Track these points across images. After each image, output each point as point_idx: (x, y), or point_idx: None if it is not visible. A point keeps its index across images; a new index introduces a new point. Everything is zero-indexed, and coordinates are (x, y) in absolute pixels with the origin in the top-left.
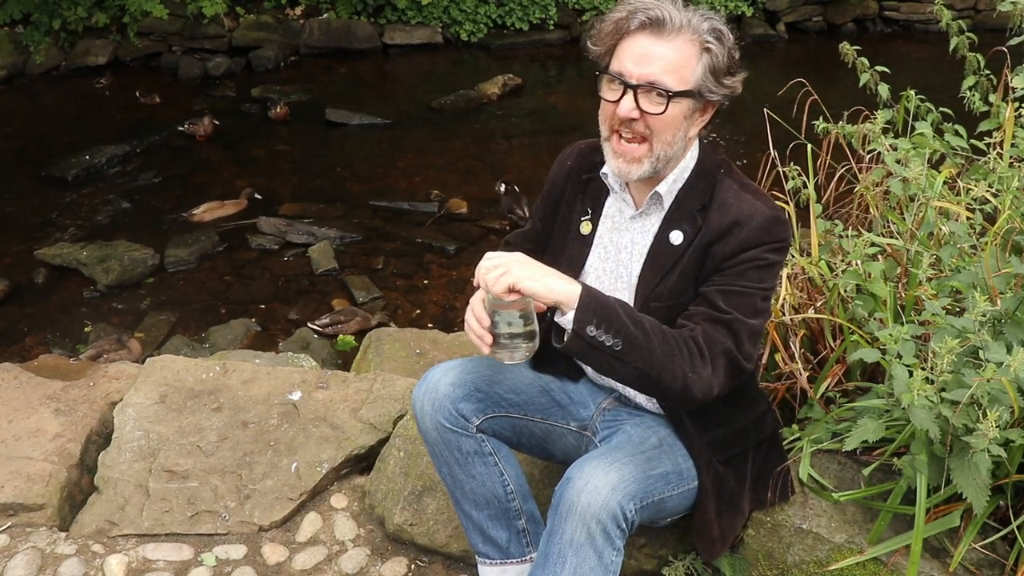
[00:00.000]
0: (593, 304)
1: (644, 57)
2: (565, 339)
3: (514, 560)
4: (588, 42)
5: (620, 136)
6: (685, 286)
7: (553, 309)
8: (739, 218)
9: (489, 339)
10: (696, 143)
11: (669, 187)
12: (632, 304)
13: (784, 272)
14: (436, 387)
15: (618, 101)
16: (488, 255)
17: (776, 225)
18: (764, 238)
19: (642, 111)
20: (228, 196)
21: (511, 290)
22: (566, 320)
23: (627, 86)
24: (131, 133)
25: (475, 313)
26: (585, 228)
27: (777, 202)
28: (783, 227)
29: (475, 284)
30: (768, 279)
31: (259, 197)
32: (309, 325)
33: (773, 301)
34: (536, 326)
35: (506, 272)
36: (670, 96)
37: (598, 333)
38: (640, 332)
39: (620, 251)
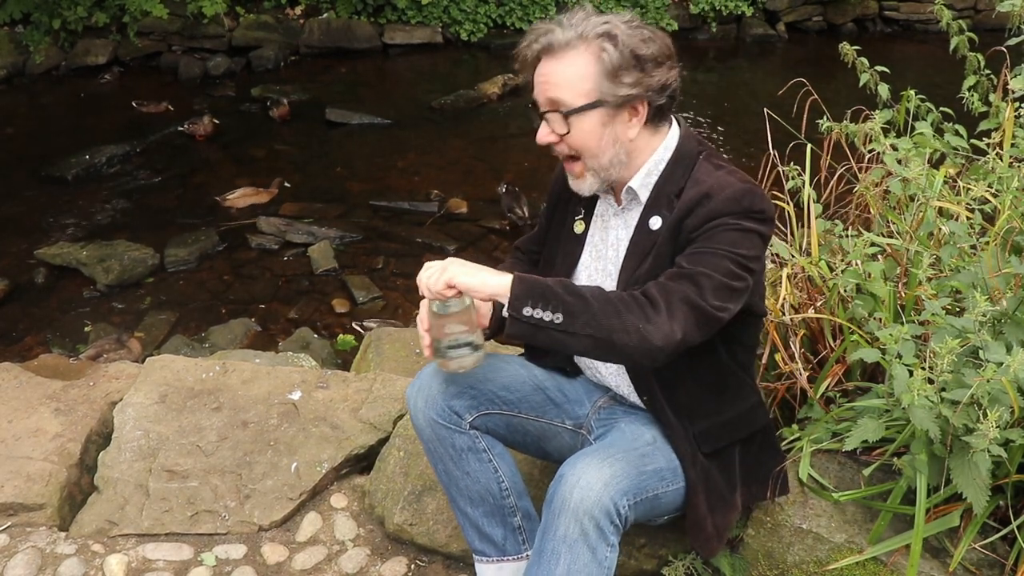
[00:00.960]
0: (525, 287)
1: (541, 82)
2: (509, 315)
3: (510, 557)
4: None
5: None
6: (662, 264)
7: (502, 307)
8: (709, 192)
9: (428, 341)
10: (674, 132)
11: (642, 180)
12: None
13: (784, 272)
14: (429, 384)
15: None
16: (427, 264)
17: (748, 196)
18: (734, 207)
19: (556, 133)
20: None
21: (449, 287)
22: (505, 309)
23: (539, 115)
24: (131, 133)
25: (421, 320)
26: (579, 228)
27: (777, 202)
28: (757, 198)
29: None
30: (743, 244)
31: (288, 185)
32: (356, 324)
33: (773, 301)
34: (480, 339)
35: (443, 271)
36: (566, 114)
37: (535, 311)
38: (578, 301)
39: (608, 248)
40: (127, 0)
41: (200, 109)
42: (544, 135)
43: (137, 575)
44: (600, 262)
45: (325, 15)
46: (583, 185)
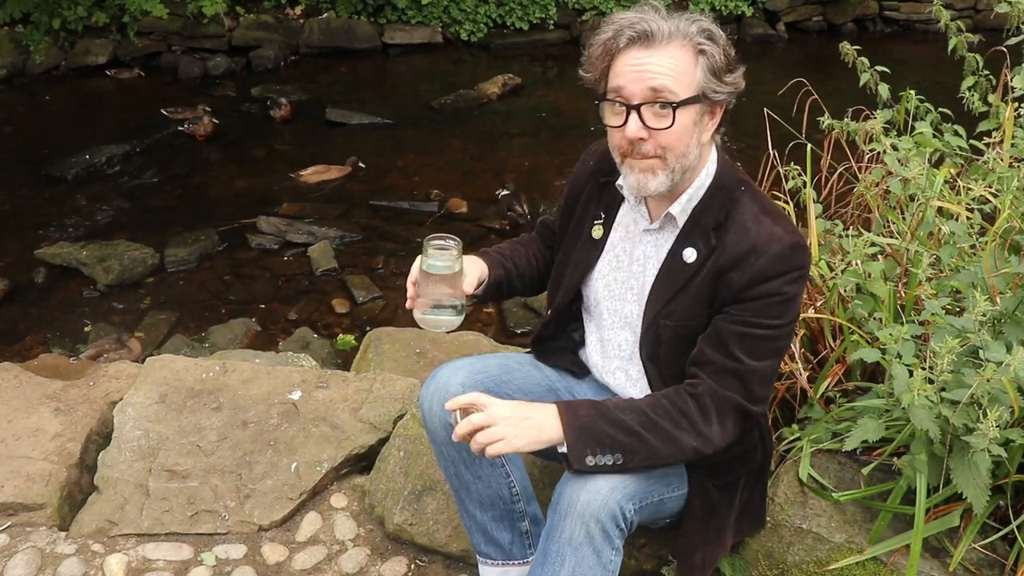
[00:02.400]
0: (579, 437)
1: (640, 72)
2: (571, 465)
3: (516, 561)
4: (580, 70)
5: (633, 156)
6: (696, 310)
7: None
8: (756, 245)
9: (412, 293)
10: (713, 157)
11: (683, 207)
12: (640, 319)
13: None
14: (446, 387)
15: (624, 124)
16: (478, 401)
17: (795, 254)
18: (781, 267)
19: (650, 129)
20: (228, 195)
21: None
22: (563, 449)
23: (628, 107)
24: (131, 133)
25: (412, 273)
26: (597, 232)
27: (776, 202)
28: (802, 255)
29: (450, 407)
30: (788, 313)
31: (363, 166)
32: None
33: None
34: (463, 301)
35: (504, 441)
36: (675, 106)
37: (596, 459)
38: (632, 439)
39: (633, 263)
40: (127, 0)
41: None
42: (637, 129)
43: (137, 575)
44: (621, 274)
45: (325, 15)
46: (652, 183)
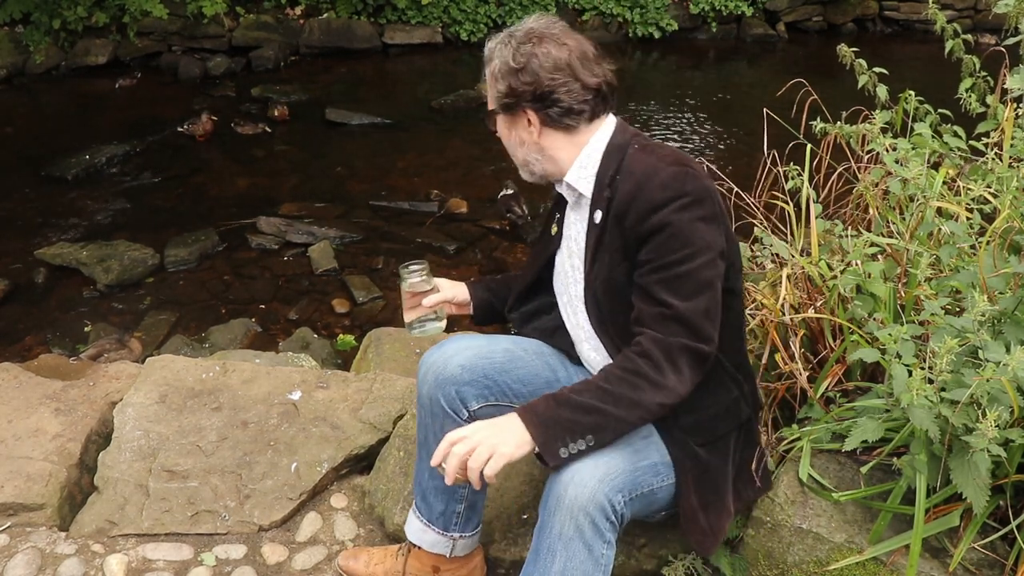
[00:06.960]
0: (549, 431)
1: None
2: (547, 462)
3: (436, 530)
4: None
5: None
6: (616, 260)
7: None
8: (639, 181)
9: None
10: (608, 125)
11: (577, 174)
12: (583, 291)
13: (784, 272)
14: (446, 364)
15: None
16: (460, 438)
17: (677, 179)
18: (666, 195)
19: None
20: (228, 195)
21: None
22: (536, 449)
23: None
24: (131, 133)
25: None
26: (553, 229)
27: (775, 202)
28: (689, 177)
29: (436, 464)
30: (693, 241)
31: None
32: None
33: (773, 301)
34: (442, 310)
35: (496, 455)
36: (484, 116)
37: (569, 448)
38: (596, 416)
39: (573, 243)
40: (127, 0)
41: (200, 109)
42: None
43: (137, 575)
44: (571, 259)
45: (325, 15)
46: (521, 174)
